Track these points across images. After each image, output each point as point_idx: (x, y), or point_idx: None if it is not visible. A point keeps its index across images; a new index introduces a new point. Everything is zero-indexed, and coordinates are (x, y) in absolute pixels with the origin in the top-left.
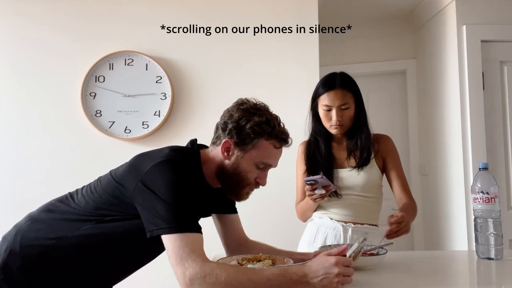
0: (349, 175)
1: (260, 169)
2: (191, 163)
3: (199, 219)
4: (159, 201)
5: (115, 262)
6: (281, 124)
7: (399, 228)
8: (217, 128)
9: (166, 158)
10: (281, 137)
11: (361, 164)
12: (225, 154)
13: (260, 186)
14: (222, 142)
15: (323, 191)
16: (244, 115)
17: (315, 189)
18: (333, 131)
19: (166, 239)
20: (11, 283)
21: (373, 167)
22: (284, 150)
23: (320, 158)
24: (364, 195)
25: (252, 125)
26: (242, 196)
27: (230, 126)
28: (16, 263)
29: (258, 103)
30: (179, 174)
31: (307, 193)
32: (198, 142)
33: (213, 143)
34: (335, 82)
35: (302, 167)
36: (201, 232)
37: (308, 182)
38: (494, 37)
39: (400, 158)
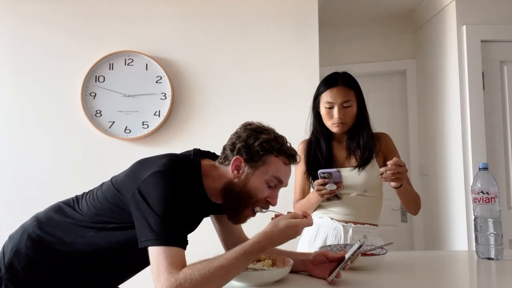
0: (350, 175)
1: (271, 188)
2: (188, 173)
3: (194, 228)
4: (151, 213)
5: (117, 267)
6: (288, 143)
7: (396, 171)
8: (224, 149)
9: (163, 168)
10: (290, 153)
11: (362, 163)
12: (235, 172)
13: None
14: (233, 160)
15: (334, 187)
16: (252, 134)
17: (325, 184)
18: (334, 129)
19: (151, 251)
20: (16, 282)
21: (374, 166)
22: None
23: (321, 158)
24: (364, 194)
25: (261, 142)
26: (241, 219)
27: (238, 145)
28: (21, 262)
29: (264, 125)
30: (173, 186)
31: (316, 187)
32: (201, 145)
33: (221, 163)
34: (337, 80)
35: (301, 166)
36: (184, 247)
37: (323, 175)
38: (494, 37)
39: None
